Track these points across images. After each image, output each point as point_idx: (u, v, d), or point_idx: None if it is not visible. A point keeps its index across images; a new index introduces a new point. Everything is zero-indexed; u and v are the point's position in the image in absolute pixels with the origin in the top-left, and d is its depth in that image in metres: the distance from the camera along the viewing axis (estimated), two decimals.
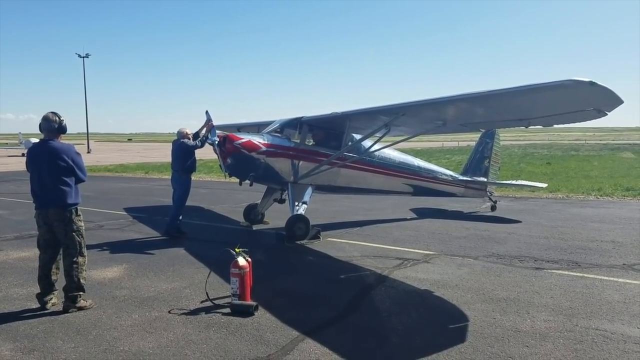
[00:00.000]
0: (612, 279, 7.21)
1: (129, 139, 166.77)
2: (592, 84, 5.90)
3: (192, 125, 10.61)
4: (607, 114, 7.09)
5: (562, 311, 5.86)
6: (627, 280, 7.12)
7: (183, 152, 10.30)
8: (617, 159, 39.04)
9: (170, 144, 10.87)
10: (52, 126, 5.94)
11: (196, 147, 10.34)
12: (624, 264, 8.02)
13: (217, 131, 10.35)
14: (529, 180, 17.59)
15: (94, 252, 8.61)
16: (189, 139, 10.42)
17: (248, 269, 5.98)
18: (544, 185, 15.47)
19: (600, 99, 6.59)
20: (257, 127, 12.73)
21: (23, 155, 39.49)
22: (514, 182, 16.01)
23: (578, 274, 7.45)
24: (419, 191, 12.43)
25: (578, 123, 8.23)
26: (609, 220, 12.16)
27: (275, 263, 8.36)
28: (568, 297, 6.36)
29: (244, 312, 5.75)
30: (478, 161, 14.37)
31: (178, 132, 10.55)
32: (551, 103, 7.24)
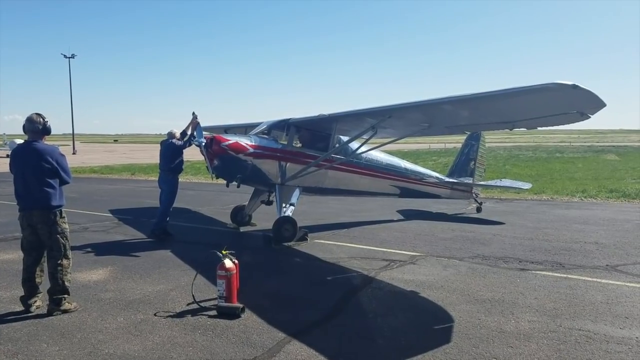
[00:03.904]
0: (595, 279, 7.31)
1: (115, 140, 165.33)
2: (574, 87, 5.97)
3: (180, 126, 10.65)
4: (590, 117, 7.19)
5: (546, 312, 5.93)
6: (610, 281, 7.22)
7: (172, 152, 10.33)
8: (602, 160, 39.54)
9: (158, 144, 10.87)
10: (36, 127, 5.88)
11: (183, 147, 10.35)
12: (607, 265, 8.13)
13: (204, 132, 10.34)
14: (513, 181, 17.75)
15: (79, 254, 8.54)
16: (179, 140, 10.45)
17: (235, 271, 5.97)
18: (529, 185, 15.63)
19: (583, 102, 6.68)
20: (244, 129, 12.71)
21: (7, 156, 38.99)
22: (499, 183, 16.15)
23: (562, 275, 7.54)
24: (405, 193, 12.49)
25: (562, 126, 8.34)
26: (593, 222, 12.31)
27: (262, 265, 8.35)
28: (552, 298, 6.43)
29: (230, 314, 5.74)
30: (464, 163, 14.49)
31: (168, 132, 10.60)
32: (535, 106, 7.33)
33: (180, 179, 10.85)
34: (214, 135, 10.23)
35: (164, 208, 10.34)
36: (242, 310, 5.81)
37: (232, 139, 10.07)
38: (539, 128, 8.97)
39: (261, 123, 11.54)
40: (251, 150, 10.12)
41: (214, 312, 5.83)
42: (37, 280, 5.99)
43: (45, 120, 5.95)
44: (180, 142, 10.36)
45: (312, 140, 11.04)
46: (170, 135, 10.50)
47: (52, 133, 6.09)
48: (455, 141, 59.93)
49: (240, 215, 11.85)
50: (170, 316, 5.77)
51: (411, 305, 6.33)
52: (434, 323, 5.65)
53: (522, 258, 8.62)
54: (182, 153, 10.42)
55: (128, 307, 6.10)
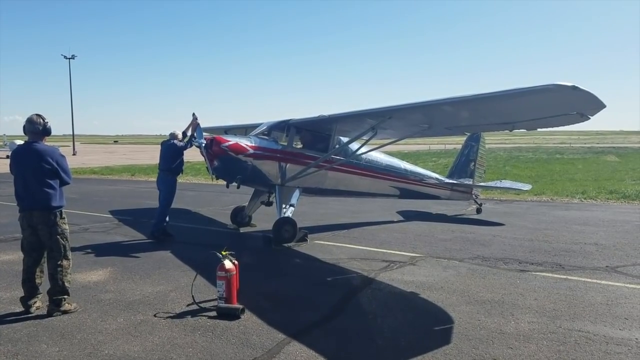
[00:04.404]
0: (595, 281, 7.31)
1: (115, 141, 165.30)
2: (574, 88, 5.97)
3: (180, 127, 10.68)
4: (589, 118, 7.20)
5: (545, 313, 5.93)
6: (610, 282, 7.22)
7: (173, 153, 10.36)
8: (602, 162, 39.51)
9: (159, 145, 10.87)
10: (36, 128, 5.89)
11: (184, 148, 10.37)
12: (607, 266, 8.13)
13: (204, 133, 10.35)
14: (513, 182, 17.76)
15: (79, 255, 8.55)
16: (180, 141, 10.48)
17: (235, 272, 5.97)
18: (529, 186, 15.64)
19: (583, 103, 6.68)
20: (244, 130, 12.73)
21: (7, 157, 39.01)
22: (499, 184, 16.16)
23: (562, 276, 7.55)
24: (405, 194, 12.50)
25: (562, 126, 8.34)
26: (592, 223, 12.31)
27: (262, 266, 8.35)
28: (552, 299, 6.44)
29: (230, 315, 5.74)
30: (464, 164, 14.50)
31: (170, 133, 10.63)
32: (535, 107, 7.33)
33: (180, 180, 10.86)
34: (214, 136, 10.24)
35: (163, 209, 10.35)
36: (242, 311, 5.82)
37: (232, 140, 10.09)
38: (538, 129, 8.97)
39: (261, 124, 11.56)
40: (251, 151, 10.13)
41: (213, 313, 5.83)
42: (37, 281, 6.00)
43: (46, 121, 5.95)
44: (181, 144, 10.37)
45: (312, 141, 11.05)
46: (172, 136, 10.52)
47: (52, 134, 6.10)
48: (455, 142, 59.96)
49: (240, 216, 11.85)
50: (170, 317, 5.78)
51: (411, 306, 6.33)
52: (433, 324, 5.66)
53: (522, 259, 8.62)
54: (182, 154, 10.44)
55: (128, 308, 6.10)
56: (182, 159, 10.50)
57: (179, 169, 10.49)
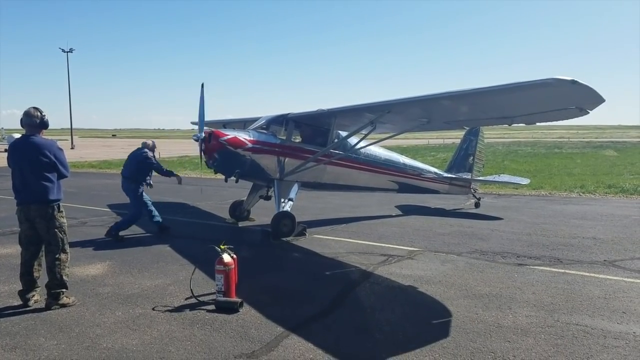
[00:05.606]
0: (593, 275, 7.32)
1: (113, 135, 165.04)
2: (573, 82, 5.97)
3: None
4: (589, 112, 7.20)
5: (543, 307, 5.94)
6: (608, 276, 7.24)
7: (137, 163, 9.95)
8: (600, 156, 39.49)
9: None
10: (33, 121, 5.88)
11: (154, 164, 10.01)
12: (605, 260, 8.15)
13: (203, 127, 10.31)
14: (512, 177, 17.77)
15: (77, 248, 8.55)
16: (152, 152, 10.13)
17: (233, 266, 5.98)
18: (527, 180, 15.65)
19: (582, 98, 6.68)
20: (243, 124, 12.70)
21: (5, 150, 38.94)
22: (497, 178, 16.17)
23: (560, 270, 7.56)
24: (404, 188, 12.51)
25: (561, 121, 8.34)
26: (590, 217, 12.33)
27: (260, 260, 8.36)
28: (549, 293, 6.45)
29: (228, 309, 5.74)
30: (462, 158, 14.50)
31: (142, 143, 10.30)
32: (534, 101, 7.33)
33: (179, 174, 10.81)
34: (213, 130, 10.21)
35: (131, 218, 9.93)
36: (241, 304, 5.82)
37: (230, 134, 10.06)
38: (538, 123, 8.98)
39: (260, 118, 11.53)
40: (250, 145, 10.11)
41: (212, 307, 5.84)
42: (35, 274, 6.00)
43: (43, 114, 5.94)
44: (150, 154, 9.99)
45: (311, 135, 11.04)
46: (144, 145, 10.16)
47: (50, 127, 6.09)
48: (454, 137, 59.93)
49: (238, 210, 11.84)
50: (169, 310, 5.78)
51: (409, 300, 6.34)
52: (431, 318, 5.67)
53: (520, 253, 8.64)
54: (149, 169, 9.98)
55: (126, 301, 6.10)
56: (150, 174, 10.07)
57: (142, 179, 10.00)
